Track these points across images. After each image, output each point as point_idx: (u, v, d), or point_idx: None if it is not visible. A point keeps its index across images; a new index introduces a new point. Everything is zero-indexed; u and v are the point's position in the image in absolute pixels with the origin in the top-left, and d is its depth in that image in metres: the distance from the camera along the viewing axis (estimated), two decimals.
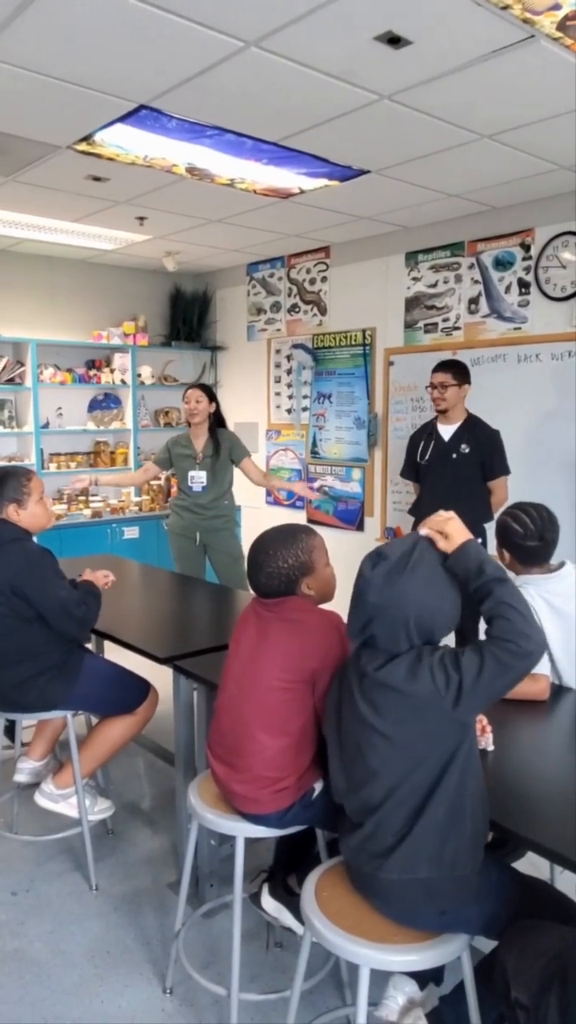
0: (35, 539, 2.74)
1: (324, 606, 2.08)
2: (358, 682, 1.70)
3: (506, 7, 2.25)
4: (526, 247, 4.36)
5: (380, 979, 1.95)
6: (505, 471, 4.01)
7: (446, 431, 4.07)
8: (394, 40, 2.46)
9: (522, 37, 2.44)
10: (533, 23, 2.35)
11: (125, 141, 3.39)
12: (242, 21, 2.37)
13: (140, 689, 2.84)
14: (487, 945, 1.76)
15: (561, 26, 2.36)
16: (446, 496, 3.97)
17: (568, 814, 1.66)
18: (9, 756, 3.33)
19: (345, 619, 1.81)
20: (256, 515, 6.19)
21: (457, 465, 3.99)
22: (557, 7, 2.25)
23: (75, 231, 5.07)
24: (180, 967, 2.25)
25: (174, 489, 5.66)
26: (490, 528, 3.95)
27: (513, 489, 4.03)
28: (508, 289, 4.47)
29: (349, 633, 1.74)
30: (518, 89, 2.82)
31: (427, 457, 4.09)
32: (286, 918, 2.19)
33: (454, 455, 4.01)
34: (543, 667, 2.32)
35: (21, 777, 2.99)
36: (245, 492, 4.87)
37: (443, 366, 4.05)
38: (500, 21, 2.34)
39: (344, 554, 5.61)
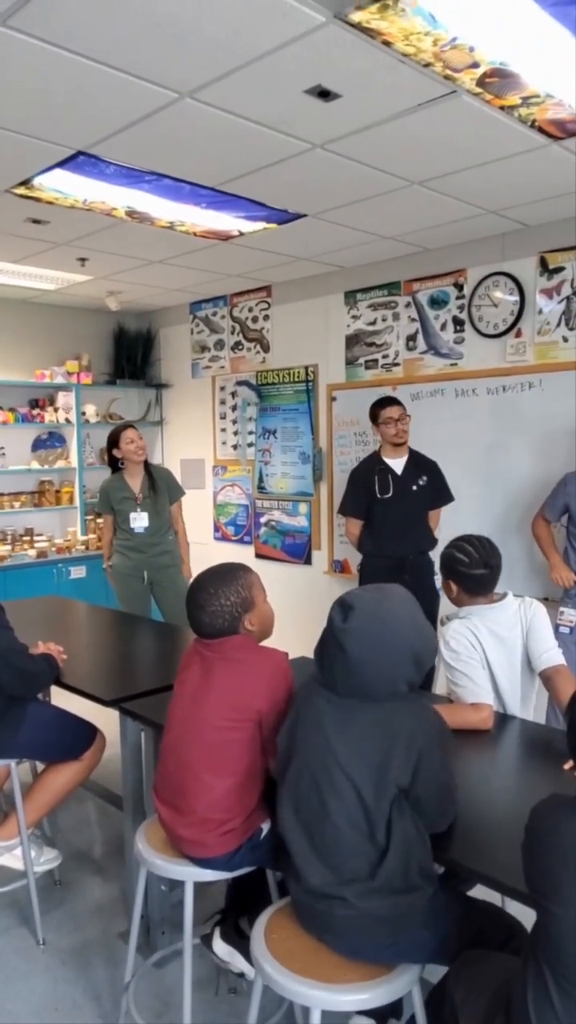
0: None
1: (265, 642, 2.09)
2: (333, 725, 1.71)
3: (428, 64, 2.37)
4: (459, 287, 4.52)
5: (335, 1019, 1.93)
6: (452, 498, 4.16)
7: (397, 464, 4.14)
8: (324, 93, 2.56)
9: (444, 92, 2.56)
10: (454, 79, 2.47)
11: (64, 185, 3.42)
12: (176, 74, 2.44)
13: (86, 734, 2.79)
14: (436, 976, 1.77)
15: (480, 83, 2.49)
16: (405, 528, 4.04)
17: (514, 843, 1.68)
18: None
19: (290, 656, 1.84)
20: (204, 551, 6.18)
21: (417, 497, 4.08)
22: (475, 65, 2.38)
23: (16, 272, 5.07)
24: (131, 1020, 2.20)
25: None
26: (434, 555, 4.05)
27: (457, 521, 4.13)
28: (444, 327, 4.61)
29: (334, 683, 1.74)
30: (444, 140, 2.95)
31: (391, 492, 4.09)
32: (239, 962, 2.16)
33: (414, 487, 4.08)
34: (486, 696, 2.37)
35: None
36: (192, 529, 4.86)
37: (393, 401, 4.15)
38: (423, 77, 2.45)
39: (292, 588, 5.63)
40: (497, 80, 2.47)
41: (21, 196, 3.56)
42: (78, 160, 3.13)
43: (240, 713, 1.92)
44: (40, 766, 2.97)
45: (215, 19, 2.12)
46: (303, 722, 1.77)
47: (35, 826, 2.79)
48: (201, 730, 1.95)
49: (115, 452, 4.46)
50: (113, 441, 4.45)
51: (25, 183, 3.40)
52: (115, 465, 4.51)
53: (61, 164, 3.17)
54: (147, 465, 4.51)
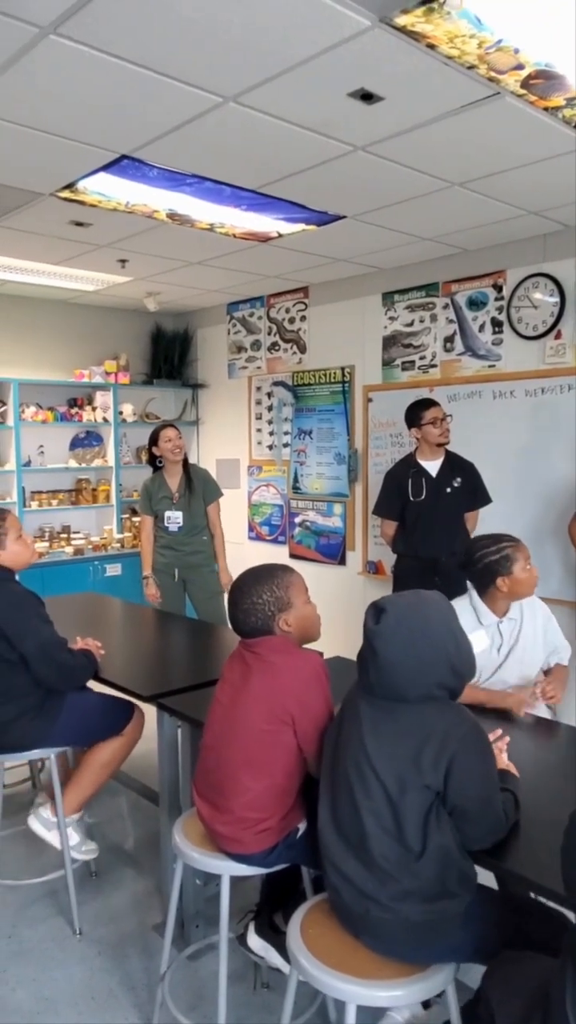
0: (18, 578, 2.76)
1: (310, 646, 2.10)
2: (369, 724, 1.73)
3: (472, 67, 2.37)
4: (498, 288, 4.49)
5: (368, 1016, 1.94)
6: (489, 500, 4.14)
7: (432, 466, 4.12)
8: (367, 96, 2.57)
9: (488, 94, 2.56)
10: (498, 81, 2.46)
11: (107, 189, 3.47)
12: (220, 78, 2.47)
13: (125, 710, 2.84)
14: (471, 979, 1.77)
15: (524, 84, 2.48)
16: (438, 530, 4.03)
17: (551, 845, 1.67)
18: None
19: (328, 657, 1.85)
20: (239, 550, 6.22)
21: (451, 499, 4.06)
22: (520, 67, 2.37)
23: (57, 273, 5.15)
24: (166, 1011, 2.23)
25: None
26: None
27: (494, 524, 4.09)
28: (482, 328, 4.59)
29: (371, 685, 1.75)
30: (486, 141, 2.94)
31: (423, 494, 4.08)
32: (273, 957, 2.18)
33: (448, 489, 4.07)
34: None
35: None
36: (227, 528, 4.89)
37: (434, 401, 4.15)
38: (467, 79, 2.45)
39: (326, 588, 5.64)
40: (542, 81, 2.46)
41: (65, 199, 3.63)
42: (122, 164, 3.18)
43: (275, 716, 1.93)
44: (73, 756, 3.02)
45: (261, 25, 2.14)
46: (346, 722, 1.80)
47: (85, 804, 2.83)
48: (239, 731, 1.97)
49: (154, 450, 4.53)
50: (153, 440, 4.52)
51: (69, 186, 3.46)
52: (155, 464, 4.57)
53: (105, 168, 3.22)
54: (186, 464, 4.57)
